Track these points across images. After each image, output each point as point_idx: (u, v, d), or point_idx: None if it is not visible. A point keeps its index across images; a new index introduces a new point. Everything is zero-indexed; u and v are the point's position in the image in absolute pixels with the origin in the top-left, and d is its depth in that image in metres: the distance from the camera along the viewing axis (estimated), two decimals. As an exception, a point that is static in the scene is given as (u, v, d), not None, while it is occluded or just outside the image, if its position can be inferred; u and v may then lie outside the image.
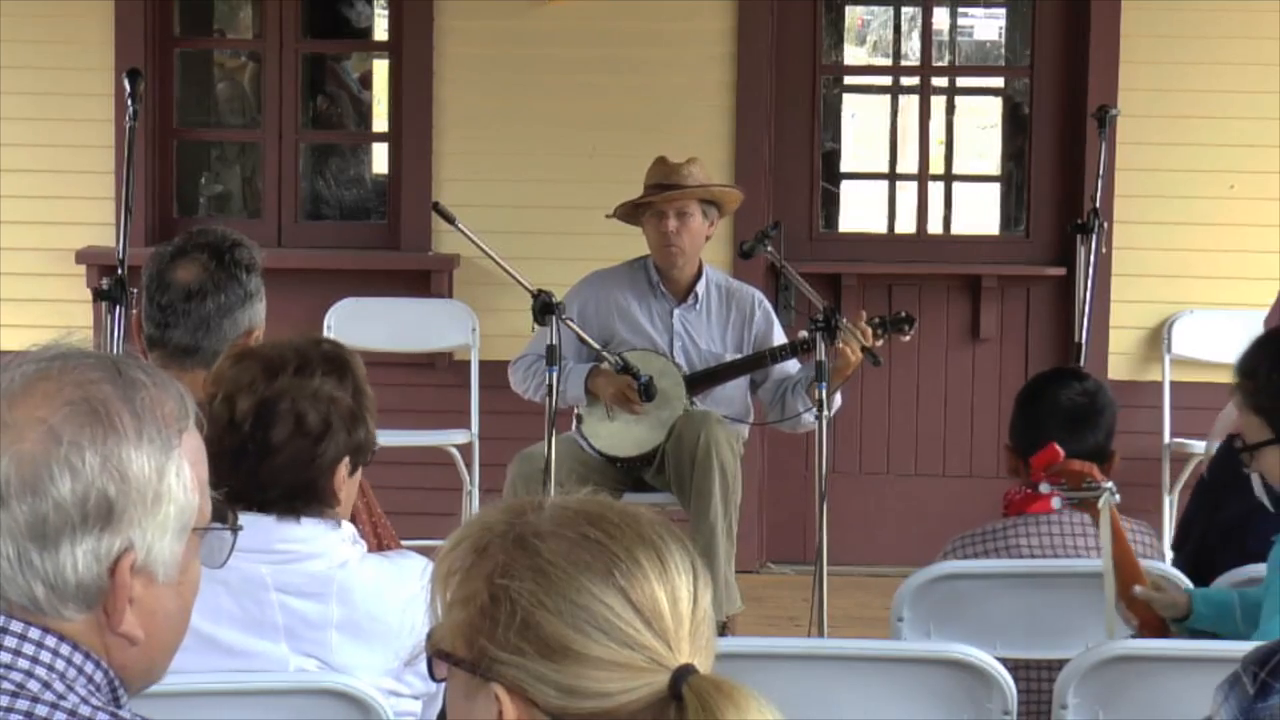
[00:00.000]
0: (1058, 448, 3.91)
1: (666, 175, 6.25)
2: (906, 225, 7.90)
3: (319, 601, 3.05)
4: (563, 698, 1.74)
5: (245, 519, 3.02)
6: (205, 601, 2.96)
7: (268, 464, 3.07)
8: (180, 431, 1.91)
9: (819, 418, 5.45)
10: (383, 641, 3.07)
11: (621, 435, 6.20)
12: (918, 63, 8.18)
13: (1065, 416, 4.33)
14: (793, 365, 6.24)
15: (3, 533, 1.84)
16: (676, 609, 1.77)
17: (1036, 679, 4.13)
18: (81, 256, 7.47)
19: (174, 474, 1.90)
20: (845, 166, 8.33)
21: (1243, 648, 2.32)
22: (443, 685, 3.08)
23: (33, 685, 1.82)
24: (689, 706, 1.72)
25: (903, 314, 6.06)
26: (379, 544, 3.53)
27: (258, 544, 3.03)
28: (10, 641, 1.84)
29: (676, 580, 1.78)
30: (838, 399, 5.96)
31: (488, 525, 1.82)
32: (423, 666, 3.06)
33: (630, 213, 6.34)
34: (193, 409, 1.95)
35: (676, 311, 6.30)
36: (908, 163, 7.97)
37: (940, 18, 8.27)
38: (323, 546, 3.08)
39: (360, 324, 7.26)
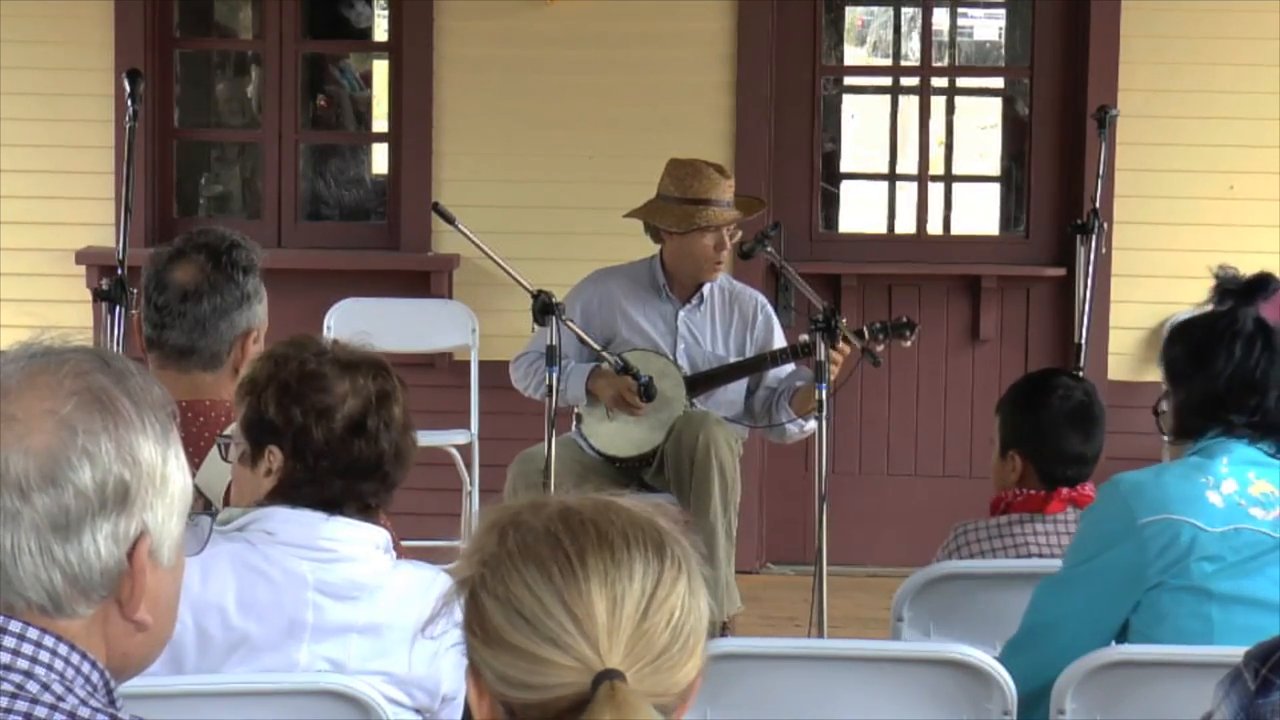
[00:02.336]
0: None
1: (714, 191, 6.14)
2: (906, 226, 7.90)
3: (349, 604, 3.06)
4: (499, 684, 1.79)
5: (288, 512, 3.08)
6: (243, 591, 3.00)
7: (398, 466, 3.18)
8: (171, 416, 1.94)
9: (819, 419, 5.45)
10: (399, 652, 3.07)
11: (621, 435, 6.20)
12: (917, 63, 8.18)
13: (1077, 416, 4.32)
14: (786, 372, 6.24)
15: (24, 527, 1.84)
16: (615, 614, 1.78)
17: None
18: (81, 257, 7.47)
19: (174, 457, 1.93)
20: (845, 167, 8.33)
21: (1241, 651, 2.32)
22: (447, 701, 3.11)
23: (32, 686, 1.82)
24: (597, 708, 1.74)
25: (904, 319, 6.05)
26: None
27: (301, 539, 3.05)
28: (9, 642, 1.84)
29: (626, 586, 1.79)
30: (809, 424, 6.06)
31: (508, 510, 1.87)
32: (428, 681, 3.09)
33: (651, 216, 6.27)
34: (168, 395, 1.97)
35: (681, 313, 6.29)
36: (907, 163, 7.97)
37: (940, 18, 8.27)
38: (361, 550, 3.10)
39: (360, 324, 7.24)
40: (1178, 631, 3.49)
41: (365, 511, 3.15)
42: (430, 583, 3.13)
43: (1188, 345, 3.70)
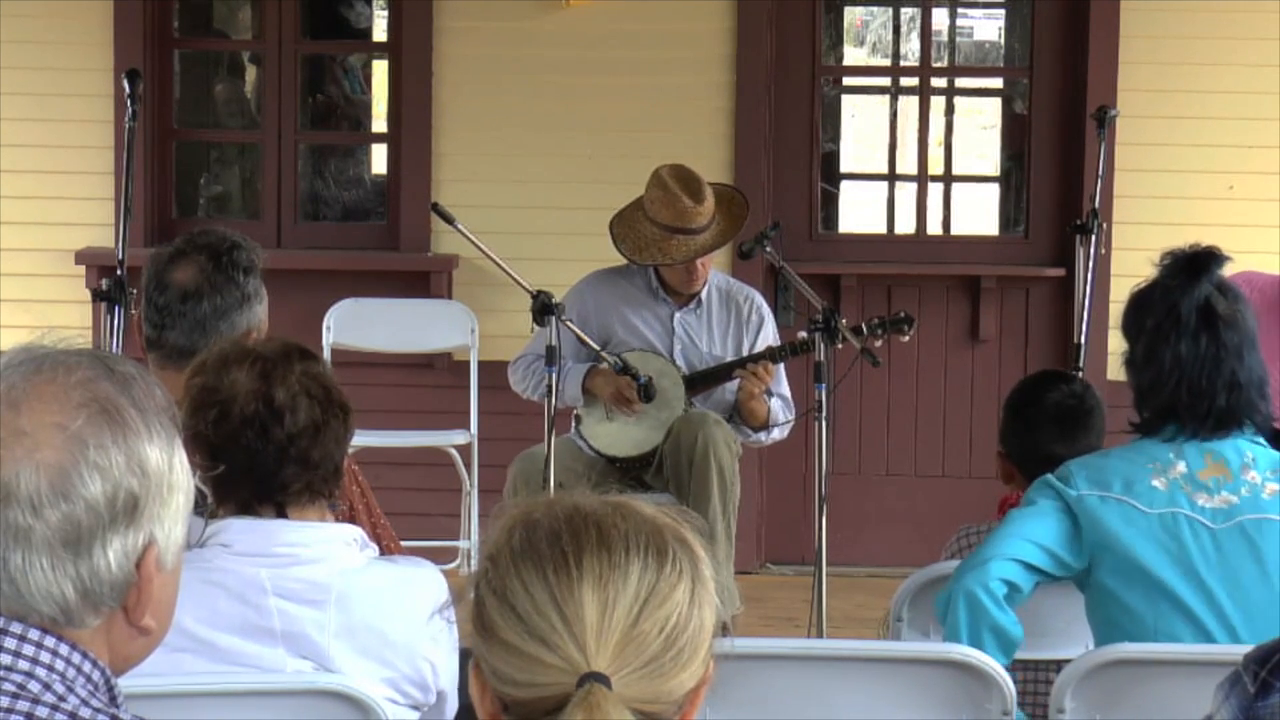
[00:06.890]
0: None
1: (680, 220, 6.06)
2: (906, 226, 7.90)
3: (317, 609, 3.02)
4: (493, 679, 1.80)
5: (244, 523, 3.05)
6: (203, 605, 2.97)
7: (318, 443, 3.06)
8: (173, 419, 1.94)
9: (818, 419, 5.46)
10: (379, 653, 3.05)
11: (620, 436, 6.20)
12: (917, 63, 8.18)
13: (1057, 419, 4.34)
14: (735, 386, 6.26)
15: (36, 543, 1.83)
16: (606, 617, 1.77)
17: (1034, 679, 4.14)
18: (81, 257, 7.47)
19: (179, 462, 1.93)
20: (845, 167, 8.33)
21: (1242, 650, 2.32)
22: (440, 695, 3.10)
23: (33, 686, 1.82)
24: (572, 709, 1.74)
25: (902, 314, 6.06)
26: (379, 546, 3.52)
27: (257, 548, 3.02)
28: (10, 643, 1.84)
29: (619, 590, 1.79)
30: (776, 432, 6.20)
31: (523, 507, 1.88)
32: (418, 676, 3.07)
33: (622, 235, 6.25)
34: (170, 397, 1.97)
35: (677, 315, 6.29)
36: (907, 163, 7.97)
37: (939, 18, 8.27)
38: (324, 551, 3.05)
39: (359, 325, 7.26)
40: (1129, 612, 3.52)
41: (318, 497, 3.12)
42: (408, 579, 3.11)
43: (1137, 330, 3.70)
